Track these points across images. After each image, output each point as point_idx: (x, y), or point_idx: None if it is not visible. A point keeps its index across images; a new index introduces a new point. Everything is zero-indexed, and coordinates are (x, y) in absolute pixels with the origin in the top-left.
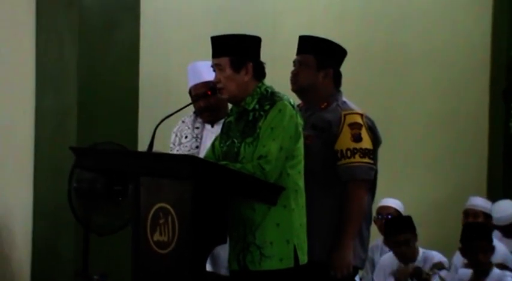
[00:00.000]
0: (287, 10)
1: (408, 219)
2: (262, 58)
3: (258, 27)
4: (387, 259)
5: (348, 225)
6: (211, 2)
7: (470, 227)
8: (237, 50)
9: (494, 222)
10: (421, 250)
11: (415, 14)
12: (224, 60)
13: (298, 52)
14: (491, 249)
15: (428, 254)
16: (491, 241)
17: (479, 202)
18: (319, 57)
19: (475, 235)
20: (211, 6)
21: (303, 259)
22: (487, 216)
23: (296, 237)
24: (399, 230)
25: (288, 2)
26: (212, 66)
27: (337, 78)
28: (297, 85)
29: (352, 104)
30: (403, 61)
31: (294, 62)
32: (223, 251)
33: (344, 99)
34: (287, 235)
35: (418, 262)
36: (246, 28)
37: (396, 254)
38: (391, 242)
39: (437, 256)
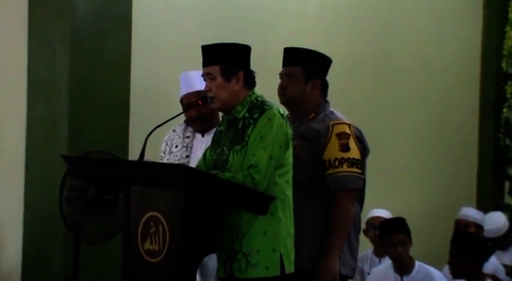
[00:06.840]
0: (277, 20)
1: (403, 220)
2: (253, 68)
3: (248, 37)
4: (380, 270)
5: (335, 235)
6: (202, 12)
7: (460, 234)
8: (227, 59)
9: (485, 234)
10: (417, 263)
11: (405, 25)
12: (215, 69)
13: (285, 64)
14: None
15: (426, 272)
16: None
17: (471, 213)
18: (306, 69)
19: (466, 239)
20: (202, 15)
21: (290, 268)
22: (478, 227)
23: (283, 246)
24: (395, 230)
25: (278, 12)
26: (203, 75)
27: (324, 88)
28: (286, 97)
29: (339, 114)
30: (392, 72)
31: (280, 74)
32: (211, 260)
33: (331, 109)
34: (274, 243)
35: (414, 276)
36: (236, 38)
37: (392, 257)
38: (386, 243)
39: (437, 276)
